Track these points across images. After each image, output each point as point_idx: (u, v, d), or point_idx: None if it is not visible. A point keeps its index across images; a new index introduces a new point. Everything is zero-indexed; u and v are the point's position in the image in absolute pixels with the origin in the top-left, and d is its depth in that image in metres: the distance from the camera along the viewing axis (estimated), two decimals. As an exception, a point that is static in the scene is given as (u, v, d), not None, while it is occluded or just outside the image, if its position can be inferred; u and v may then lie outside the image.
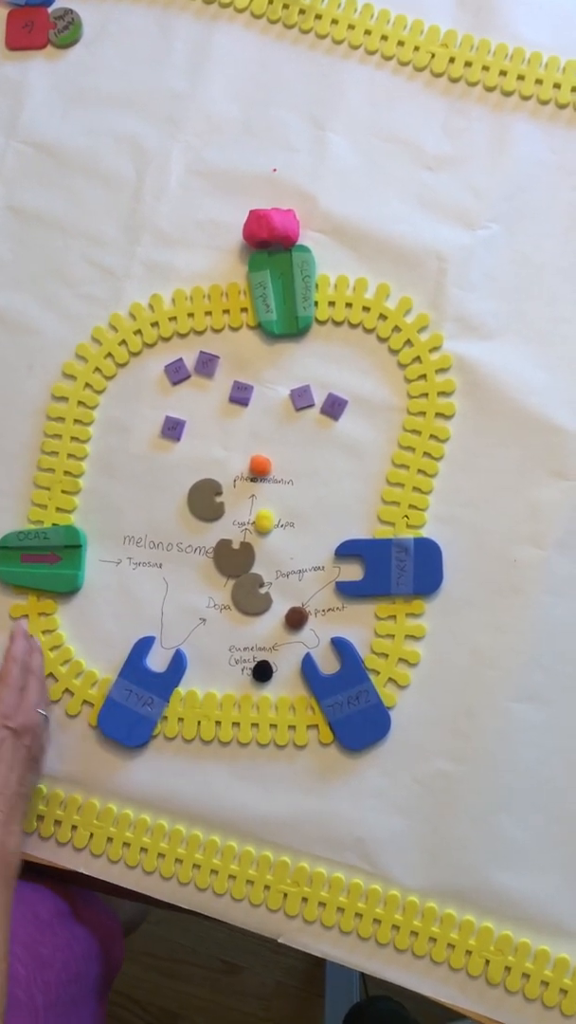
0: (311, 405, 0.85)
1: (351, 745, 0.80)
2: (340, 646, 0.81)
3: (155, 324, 0.87)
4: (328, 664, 0.82)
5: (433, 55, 0.88)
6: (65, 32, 0.92)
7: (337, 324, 0.86)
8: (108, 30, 0.92)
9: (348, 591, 0.82)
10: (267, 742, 0.81)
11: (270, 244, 0.85)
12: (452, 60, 0.88)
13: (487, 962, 0.77)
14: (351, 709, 0.80)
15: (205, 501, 0.85)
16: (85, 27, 0.92)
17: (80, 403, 0.87)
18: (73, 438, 0.86)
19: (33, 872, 0.84)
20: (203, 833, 0.81)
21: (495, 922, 0.77)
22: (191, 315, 0.87)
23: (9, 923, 0.69)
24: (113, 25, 0.92)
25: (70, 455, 0.86)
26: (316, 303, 0.85)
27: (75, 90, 0.91)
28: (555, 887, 0.77)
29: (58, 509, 0.86)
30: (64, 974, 0.79)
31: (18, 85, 0.92)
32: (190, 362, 0.87)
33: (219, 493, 0.85)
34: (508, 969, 0.76)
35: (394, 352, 0.85)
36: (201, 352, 0.86)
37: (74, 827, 0.82)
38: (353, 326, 0.85)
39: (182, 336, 0.87)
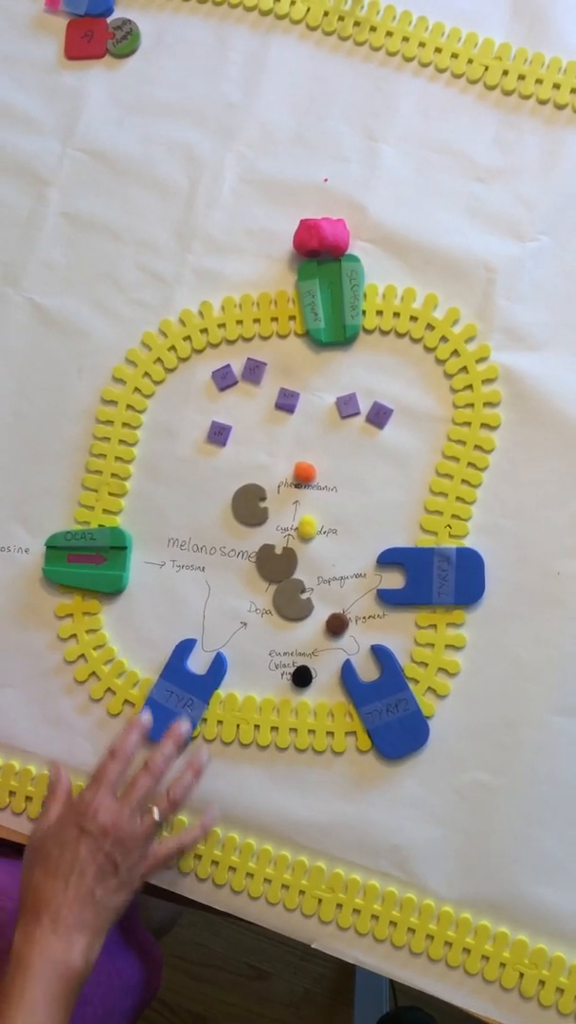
0: (357, 413, 0.86)
1: (389, 753, 0.80)
2: (380, 654, 0.82)
3: (204, 330, 0.88)
4: (367, 671, 0.82)
5: (486, 67, 0.88)
6: (123, 42, 0.94)
7: (384, 333, 0.86)
8: (165, 41, 0.94)
9: (389, 599, 0.82)
10: (305, 747, 0.82)
11: (320, 253, 0.86)
12: (505, 73, 0.88)
13: (521, 975, 0.76)
14: (390, 717, 0.80)
15: (249, 506, 0.86)
16: (143, 37, 0.94)
17: (129, 407, 0.88)
18: (121, 441, 0.88)
19: None
20: (239, 836, 0.82)
21: (530, 935, 0.77)
22: (240, 322, 0.88)
23: None
24: (170, 36, 0.94)
25: (117, 458, 0.87)
26: (364, 312, 0.86)
27: (132, 99, 0.93)
28: (592, 902, 0.77)
29: (104, 511, 0.87)
30: (100, 1009, 0.78)
31: (76, 93, 0.94)
32: (238, 368, 0.87)
33: (263, 498, 0.86)
34: (542, 983, 0.76)
35: (440, 362, 0.85)
36: (249, 359, 0.87)
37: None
38: (400, 335, 0.86)
39: (230, 343, 0.88)
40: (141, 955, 0.89)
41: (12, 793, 0.85)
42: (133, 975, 0.86)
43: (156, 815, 0.76)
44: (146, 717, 0.81)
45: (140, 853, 0.74)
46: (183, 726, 0.81)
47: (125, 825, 0.73)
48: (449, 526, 0.83)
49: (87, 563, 0.86)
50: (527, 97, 0.88)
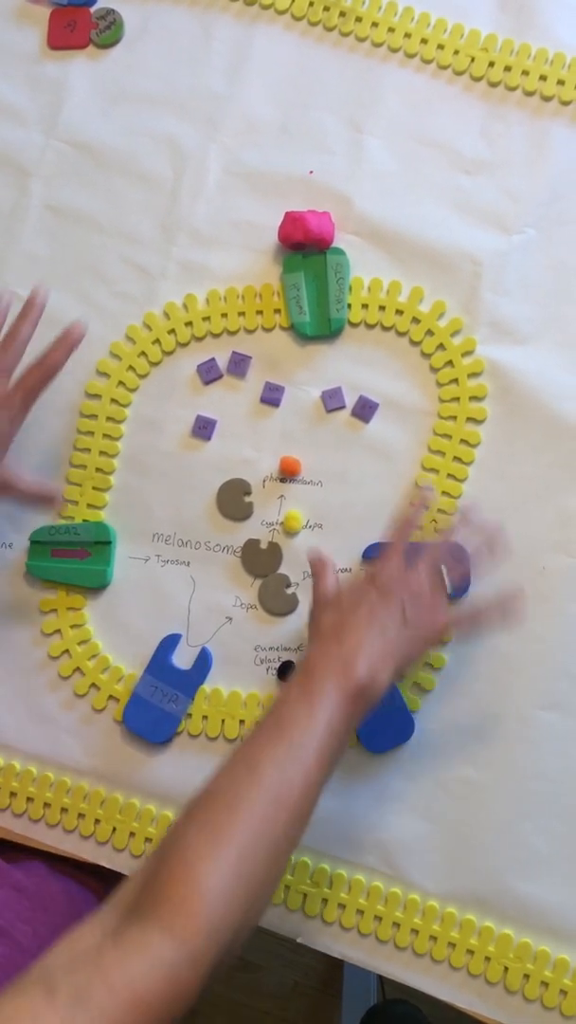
0: (342, 407, 0.85)
1: (374, 748, 0.80)
2: (366, 648, 0.81)
3: (189, 323, 0.87)
4: (353, 666, 0.82)
5: (473, 59, 0.88)
6: (107, 32, 0.93)
7: (370, 327, 0.86)
8: (149, 30, 0.93)
9: (375, 594, 0.82)
10: (290, 742, 0.82)
11: (305, 246, 0.85)
12: (492, 64, 0.87)
13: (506, 969, 0.76)
14: (375, 711, 0.80)
15: (234, 500, 0.85)
16: (126, 27, 0.93)
17: (113, 401, 0.87)
18: (105, 435, 0.87)
19: (80, 870, 0.84)
20: (225, 831, 0.81)
21: (515, 929, 0.77)
22: (224, 315, 0.87)
23: (334, 760, 0.65)
24: (154, 25, 0.93)
25: (102, 452, 0.87)
26: (349, 305, 0.85)
27: (115, 90, 0.92)
28: (576, 896, 0.77)
29: (89, 505, 0.87)
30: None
31: (59, 84, 0.93)
32: (222, 362, 0.87)
33: (248, 493, 0.85)
34: (527, 977, 0.76)
35: (426, 356, 0.85)
36: (234, 352, 0.87)
37: (97, 821, 0.83)
38: (386, 329, 0.85)
39: (215, 336, 0.87)
40: None
41: (13, 794, 0.84)
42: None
43: (446, 578, 0.76)
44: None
45: (429, 606, 0.73)
46: (476, 512, 0.80)
47: (412, 579, 0.73)
48: (435, 520, 0.82)
49: (71, 558, 0.85)
50: (513, 89, 0.87)
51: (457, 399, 0.83)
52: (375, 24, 0.89)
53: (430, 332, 0.84)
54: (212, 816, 0.59)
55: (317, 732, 0.63)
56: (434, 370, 0.84)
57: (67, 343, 0.78)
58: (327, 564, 0.77)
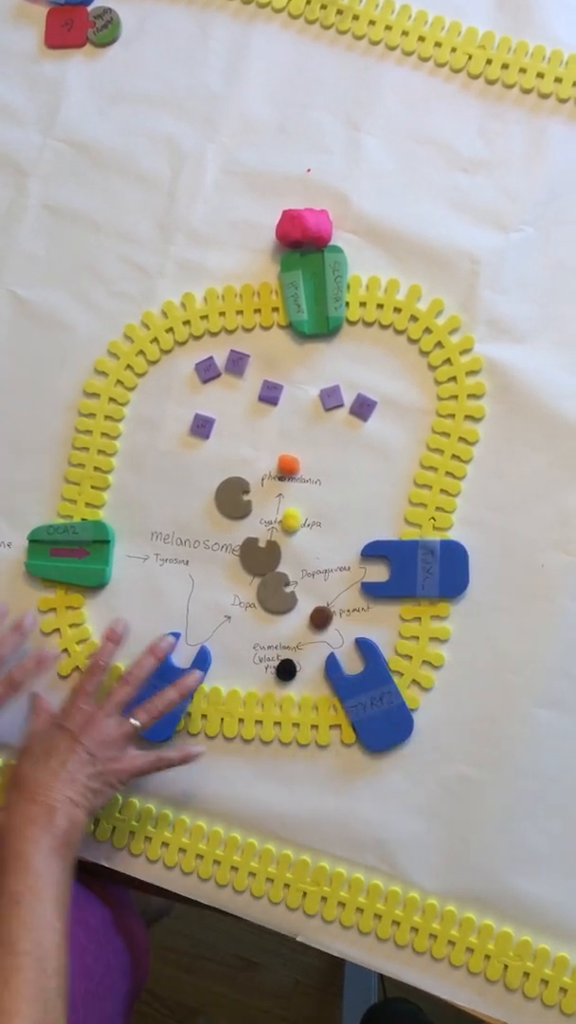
0: (340, 405, 0.85)
1: (373, 746, 0.80)
2: (364, 647, 0.82)
3: (187, 322, 0.87)
4: (352, 665, 0.82)
5: (470, 56, 0.88)
6: (104, 31, 0.93)
7: (368, 325, 0.86)
8: (146, 29, 0.93)
9: (373, 592, 0.82)
10: (289, 741, 0.82)
11: (303, 244, 0.85)
12: (489, 62, 0.87)
13: (505, 967, 0.77)
14: (374, 710, 0.80)
15: (232, 499, 0.85)
16: (123, 26, 0.93)
17: (111, 400, 0.87)
18: (104, 434, 0.87)
19: (83, 870, 0.84)
20: (224, 830, 0.82)
21: (514, 927, 0.77)
22: (223, 314, 0.87)
23: (68, 906, 0.69)
24: (151, 24, 0.93)
25: (100, 451, 0.87)
26: (347, 304, 0.85)
27: (112, 89, 0.92)
28: (575, 894, 0.77)
29: (87, 504, 0.87)
30: (100, 986, 0.79)
31: (56, 84, 0.93)
32: (221, 361, 0.87)
33: (246, 491, 0.85)
34: (526, 975, 0.76)
35: (424, 354, 0.84)
36: (232, 351, 0.87)
37: (96, 821, 0.83)
38: (384, 327, 0.85)
39: (213, 335, 0.87)
40: (133, 936, 0.89)
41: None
42: (127, 957, 0.87)
43: (134, 721, 0.78)
44: (165, 644, 0.83)
45: (118, 751, 0.77)
46: (165, 641, 0.83)
47: (101, 724, 0.77)
48: (433, 519, 0.82)
49: (70, 557, 0.85)
50: (511, 86, 0.87)
51: (455, 397, 0.83)
52: (372, 22, 0.89)
53: (428, 330, 0.84)
54: None
55: (49, 892, 0.67)
56: (432, 368, 0.84)
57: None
58: (40, 700, 0.83)
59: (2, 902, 0.66)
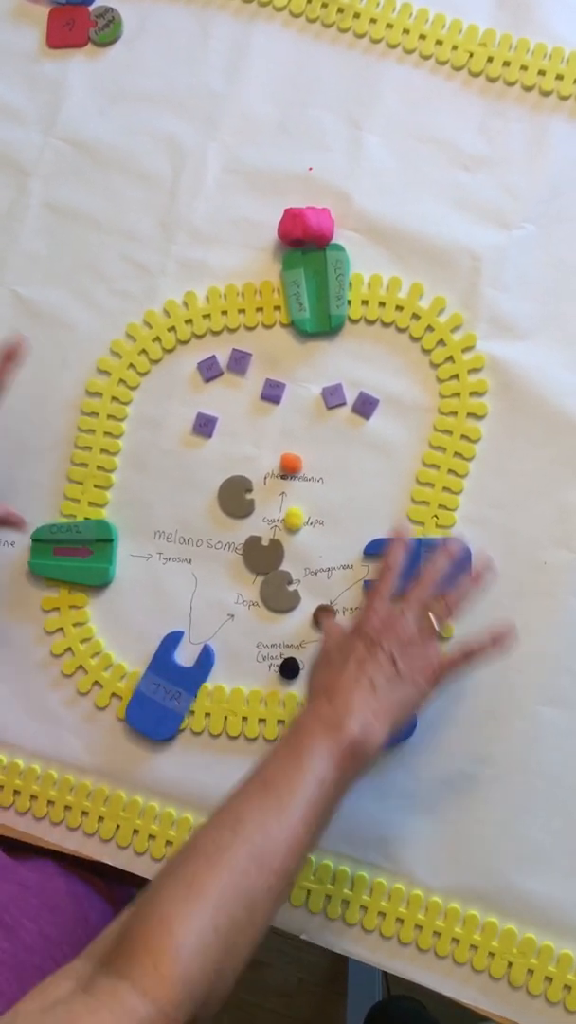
0: (343, 404, 0.85)
1: (377, 744, 0.80)
2: (367, 645, 0.81)
3: (189, 321, 0.87)
4: (355, 662, 0.82)
5: (471, 54, 0.88)
6: (105, 30, 0.93)
7: (370, 323, 0.86)
8: (147, 29, 0.93)
9: (376, 590, 0.82)
10: (293, 739, 0.82)
11: (304, 243, 0.85)
12: (490, 59, 0.87)
13: (509, 964, 0.77)
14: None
15: (235, 498, 0.85)
16: (125, 26, 0.93)
17: (114, 399, 0.87)
18: (106, 433, 0.87)
19: (85, 870, 0.84)
20: (228, 828, 0.82)
21: (518, 924, 0.77)
22: (225, 312, 0.87)
23: (322, 819, 0.64)
24: (152, 24, 0.93)
25: (103, 450, 0.87)
26: (349, 302, 0.85)
27: (114, 88, 0.92)
28: (579, 891, 0.77)
29: (90, 503, 0.87)
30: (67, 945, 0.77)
31: (58, 83, 0.93)
32: (223, 359, 0.87)
33: (249, 490, 0.85)
34: (531, 972, 0.76)
35: (426, 352, 0.85)
36: (234, 349, 0.87)
37: (100, 819, 0.83)
38: (386, 325, 0.85)
39: (215, 333, 0.88)
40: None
41: (16, 792, 0.84)
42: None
43: (433, 620, 0.73)
44: (455, 545, 0.77)
45: (420, 652, 0.72)
46: (457, 544, 0.77)
47: (399, 626, 0.72)
48: (436, 516, 0.82)
49: (73, 556, 0.86)
50: (512, 84, 0.87)
51: (457, 395, 0.83)
52: (373, 20, 0.89)
53: (430, 328, 0.84)
54: (190, 870, 0.58)
55: (305, 790, 0.63)
56: (434, 366, 0.84)
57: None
58: (330, 616, 0.79)
59: (254, 781, 0.64)
